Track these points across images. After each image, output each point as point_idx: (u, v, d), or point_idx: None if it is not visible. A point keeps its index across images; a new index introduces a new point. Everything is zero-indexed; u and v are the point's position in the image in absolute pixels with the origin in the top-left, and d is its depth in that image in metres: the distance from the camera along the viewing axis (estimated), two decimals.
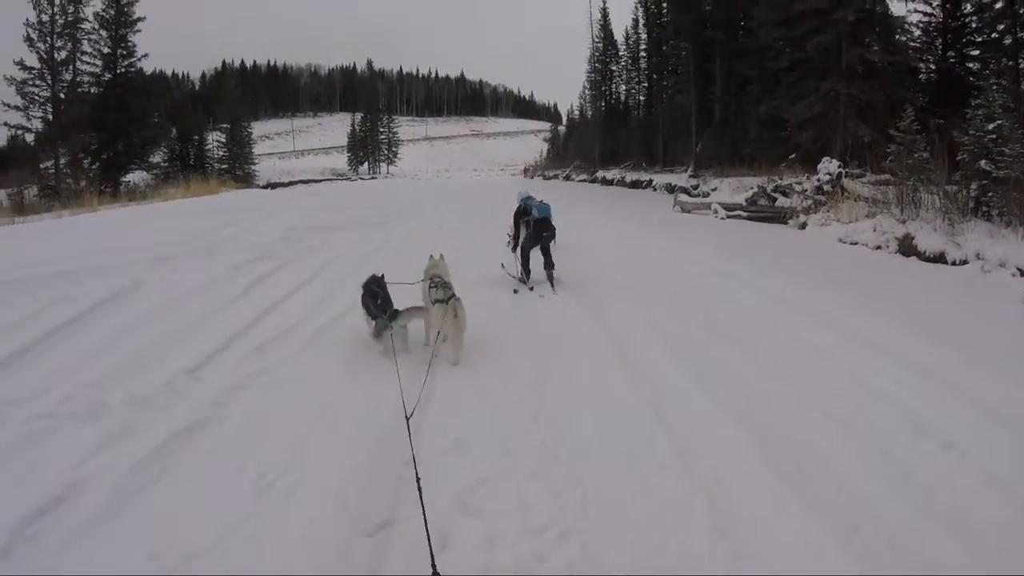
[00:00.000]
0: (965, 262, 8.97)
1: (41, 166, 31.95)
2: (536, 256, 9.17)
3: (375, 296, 6.06)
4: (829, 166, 14.79)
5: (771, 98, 20.86)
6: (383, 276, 6.48)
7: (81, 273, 8.03)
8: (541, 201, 9.58)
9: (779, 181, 16.97)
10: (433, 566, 2.57)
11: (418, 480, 3.13)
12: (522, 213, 9.55)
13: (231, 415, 4.63)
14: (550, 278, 9.04)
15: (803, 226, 13.77)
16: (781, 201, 15.95)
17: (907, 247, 10.09)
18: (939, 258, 9.41)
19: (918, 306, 7.20)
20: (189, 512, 3.49)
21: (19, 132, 33.69)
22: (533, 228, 9.10)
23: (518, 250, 9.47)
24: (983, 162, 9.91)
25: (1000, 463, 3.76)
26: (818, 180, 14.80)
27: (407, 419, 3.86)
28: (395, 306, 6.06)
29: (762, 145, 22.52)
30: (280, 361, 5.76)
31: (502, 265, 9.83)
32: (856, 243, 11.30)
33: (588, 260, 10.91)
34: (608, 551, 3.15)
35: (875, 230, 11.10)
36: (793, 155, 18.89)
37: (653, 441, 4.23)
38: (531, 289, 8.78)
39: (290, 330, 6.63)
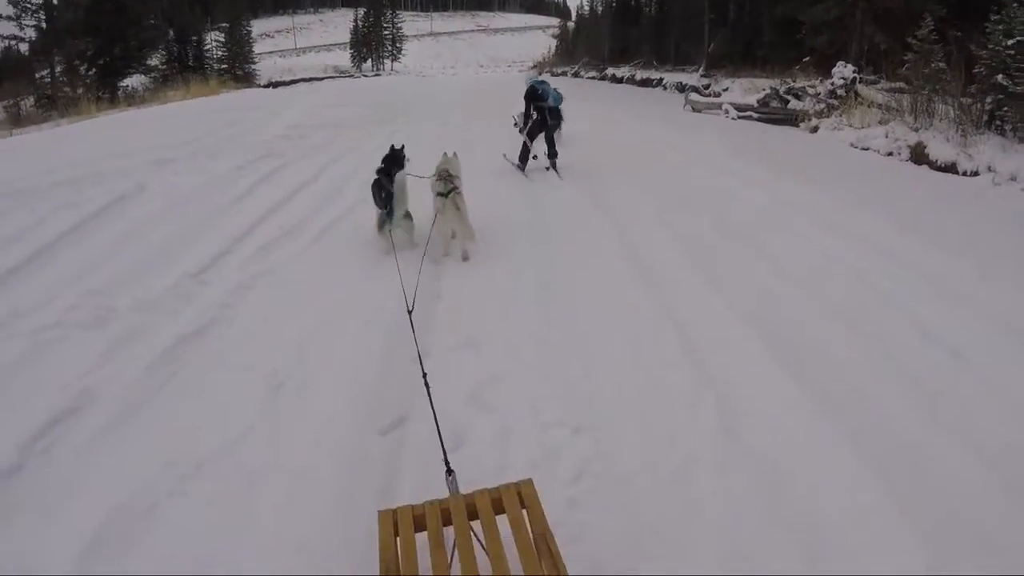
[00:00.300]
0: (976, 173, 8.77)
1: (37, 75, 31.15)
2: (540, 145, 9.55)
3: (381, 188, 5.92)
4: (844, 71, 14.31)
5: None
6: (403, 148, 6.35)
7: (82, 180, 7.92)
8: (555, 89, 9.71)
9: (792, 84, 16.50)
10: (446, 461, 2.58)
11: (424, 376, 3.11)
12: (533, 96, 9.49)
13: (238, 316, 4.64)
14: (553, 166, 9.43)
15: (815, 129, 13.44)
16: (793, 104, 15.52)
17: (919, 155, 9.85)
18: (950, 168, 9.19)
19: (929, 214, 7.07)
20: (200, 416, 3.49)
21: (13, 42, 32.81)
22: (547, 114, 9.33)
23: (524, 133, 9.60)
24: (1000, 76, 9.59)
25: (1006, 375, 3.73)
26: (831, 84, 14.34)
27: (409, 313, 3.82)
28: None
29: (775, 47, 21.74)
30: (286, 261, 5.77)
31: (504, 155, 10.00)
32: (868, 149, 11.01)
33: (596, 154, 10.90)
34: (620, 448, 3.17)
35: (887, 137, 10.80)
36: (807, 58, 18.28)
37: (663, 338, 4.23)
38: (546, 168, 9.32)
39: (295, 229, 6.62)
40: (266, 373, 3.86)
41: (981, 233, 6.33)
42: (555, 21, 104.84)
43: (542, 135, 9.36)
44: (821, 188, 8.15)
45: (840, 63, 14.68)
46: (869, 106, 12.87)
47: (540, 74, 50.07)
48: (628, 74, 34.43)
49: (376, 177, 5.99)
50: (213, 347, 4.24)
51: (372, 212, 6.11)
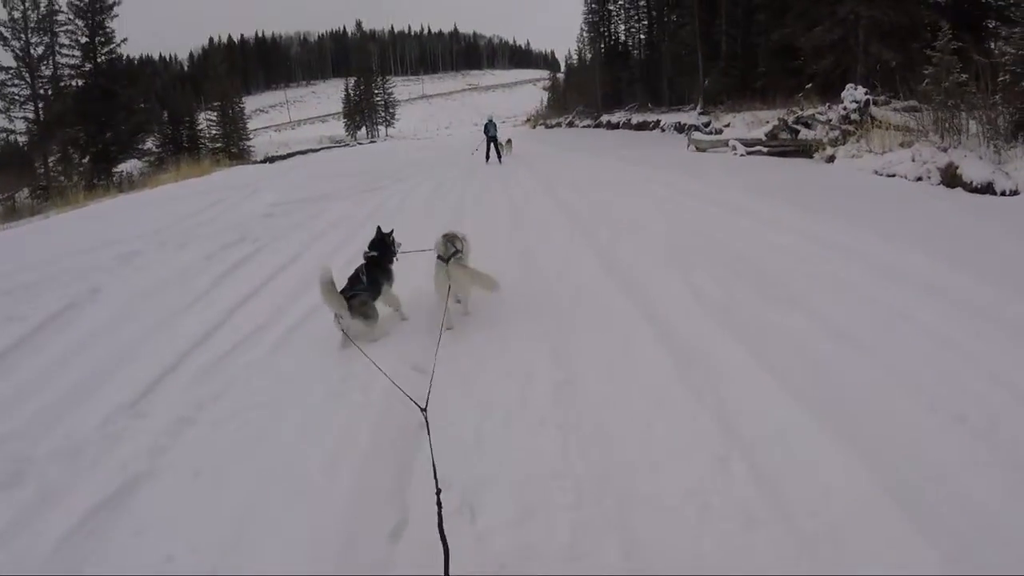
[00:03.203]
0: (1016, 192, 8.03)
1: (35, 164, 31.27)
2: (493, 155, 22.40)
3: (355, 280, 5.20)
4: (855, 93, 13.50)
5: (782, 26, 19.46)
6: (392, 233, 5.68)
7: (36, 285, 7.16)
8: (496, 129, 22.81)
9: (800, 112, 15.76)
10: None
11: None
12: (487, 127, 22.54)
13: (169, 469, 3.55)
14: (499, 157, 22.41)
15: (831, 159, 12.60)
16: (804, 134, 14.77)
17: (951, 178, 8.96)
18: (987, 189, 8.38)
19: (982, 246, 6.17)
20: None
21: (7, 135, 33.05)
22: (493, 137, 22.48)
23: (486, 143, 22.59)
24: None
25: None
26: (844, 109, 13.54)
27: (423, 411, 3.03)
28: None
29: (774, 77, 21.29)
30: (240, 377, 4.68)
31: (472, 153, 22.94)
32: (894, 175, 10.12)
33: (603, 208, 10.11)
34: None
35: (914, 160, 9.90)
36: (810, 85, 17.63)
37: (729, 468, 3.09)
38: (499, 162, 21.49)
39: (257, 331, 5.59)
40: (190, 567, 2.80)
41: None
42: (544, 73, 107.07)
43: (492, 143, 22.38)
44: (859, 226, 7.12)
45: (850, 85, 13.92)
46: (887, 128, 12.01)
47: (535, 127, 51.66)
48: (623, 119, 34.22)
49: (356, 273, 5.30)
50: (132, 520, 3.17)
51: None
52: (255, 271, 7.72)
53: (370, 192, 15.23)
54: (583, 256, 7.31)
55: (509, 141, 25.13)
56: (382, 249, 5.55)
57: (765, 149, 15.17)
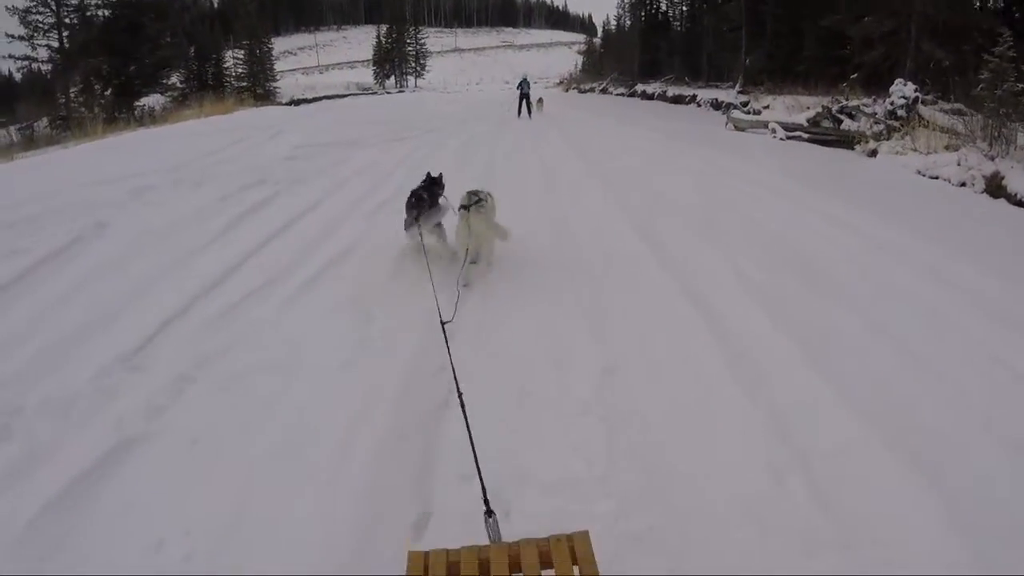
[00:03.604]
0: None
1: (57, 94, 30.95)
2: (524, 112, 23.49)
3: (421, 200, 5.42)
4: (904, 89, 12.99)
5: (833, 11, 18.82)
6: (440, 176, 5.90)
7: (42, 217, 6.81)
8: (529, 87, 24.07)
9: (845, 102, 15.26)
10: (485, 501, 2.01)
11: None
12: (520, 83, 24.07)
13: (164, 433, 3.23)
14: (529, 114, 23.47)
15: (873, 153, 12.14)
16: (847, 124, 14.27)
17: (995, 187, 8.62)
18: None
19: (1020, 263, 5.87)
20: None
21: (30, 63, 32.64)
22: (525, 93, 23.69)
23: (518, 98, 23.91)
24: None
25: None
26: (891, 104, 13.07)
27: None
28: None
29: (817, 63, 20.66)
30: (249, 330, 4.40)
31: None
32: (936, 177, 9.75)
33: (638, 177, 9.93)
34: None
35: (959, 164, 9.52)
36: (855, 75, 17.11)
37: (781, 477, 2.83)
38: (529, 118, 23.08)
39: (271, 282, 5.26)
40: (181, 554, 2.50)
41: None
42: (581, 37, 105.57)
43: (524, 100, 23.47)
44: (908, 227, 6.82)
45: (899, 80, 13.42)
46: (933, 129, 11.57)
47: (568, 90, 51.33)
48: (659, 90, 33.43)
49: (418, 195, 5.55)
50: (119, 494, 2.84)
51: (373, 252, 5.57)
52: (274, 215, 7.44)
53: (398, 141, 14.95)
54: (617, 223, 7.16)
55: (540, 100, 26.29)
56: (433, 189, 5.74)
57: (805, 135, 14.72)
